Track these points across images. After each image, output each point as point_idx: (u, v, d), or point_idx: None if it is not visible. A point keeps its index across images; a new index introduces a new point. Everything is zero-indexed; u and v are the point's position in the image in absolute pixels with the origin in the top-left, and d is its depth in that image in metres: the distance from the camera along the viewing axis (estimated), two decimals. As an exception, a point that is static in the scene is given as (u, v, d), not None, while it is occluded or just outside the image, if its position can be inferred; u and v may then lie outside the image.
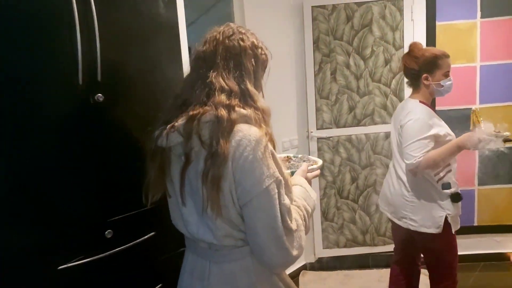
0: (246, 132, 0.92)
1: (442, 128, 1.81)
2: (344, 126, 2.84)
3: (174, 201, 1.05)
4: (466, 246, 2.97)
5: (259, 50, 1.03)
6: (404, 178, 1.90)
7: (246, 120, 0.94)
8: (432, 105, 2.75)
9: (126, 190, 1.24)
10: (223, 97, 0.93)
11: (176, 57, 1.42)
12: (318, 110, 2.83)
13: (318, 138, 2.86)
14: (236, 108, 0.94)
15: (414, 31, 2.74)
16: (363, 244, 2.96)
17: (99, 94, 1.18)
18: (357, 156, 2.88)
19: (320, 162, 1.25)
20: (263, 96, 1.07)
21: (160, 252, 1.37)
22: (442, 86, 1.85)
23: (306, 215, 1.02)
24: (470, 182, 2.92)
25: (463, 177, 2.91)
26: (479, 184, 2.91)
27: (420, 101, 1.88)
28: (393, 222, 2.03)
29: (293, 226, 0.95)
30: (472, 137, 1.65)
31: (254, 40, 1.03)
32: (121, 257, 1.25)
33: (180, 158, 0.96)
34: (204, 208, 0.94)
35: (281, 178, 0.94)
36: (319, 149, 2.87)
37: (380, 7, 2.70)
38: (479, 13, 2.72)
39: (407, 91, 2.80)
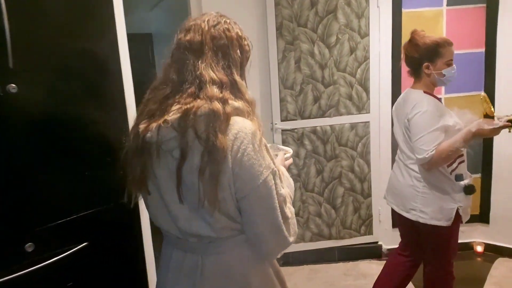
0: (241, 125, 0.92)
1: (451, 118, 1.74)
2: (309, 118, 2.74)
3: (156, 198, 1.00)
4: (431, 237, 2.97)
5: (244, 41, 1.02)
6: (416, 169, 1.83)
7: (238, 113, 0.94)
8: (396, 94, 2.73)
9: (50, 196, 1.07)
10: (215, 90, 0.92)
11: (111, 48, 1.24)
12: (282, 101, 2.71)
13: (282, 130, 2.74)
14: (229, 101, 0.93)
15: (380, 19, 2.66)
16: (329, 237, 2.89)
17: (12, 84, 1.01)
18: (322, 148, 2.79)
19: (291, 150, 1.27)
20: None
21: (96, 265, 1.21)
22: (444, 75, 1.78)
23: (290, 202, 1.04)
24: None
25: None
26: (443, 175, 2.89)
27: (424, 91, 1.81)
28: (399, 216, 1.97)
29: (289, 214, 0.97)
30: (488, 123, 1.61)
31: (238, 31, 1.01)
32: (47, 273, 1.09)
33: (171, 154, 0.93)
34: (201, 203, 0.91)
35: (276, 169, 0.96)
36: (283, 142, 2.76)
37: (345, -8, 2.60)
38: (445, 1, 2.66)
39: (373, 80, 2.73)
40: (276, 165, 0.98)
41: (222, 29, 0.97)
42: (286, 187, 1.05)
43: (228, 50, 0.97)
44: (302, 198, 2.85)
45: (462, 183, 1.78)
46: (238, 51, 0.99)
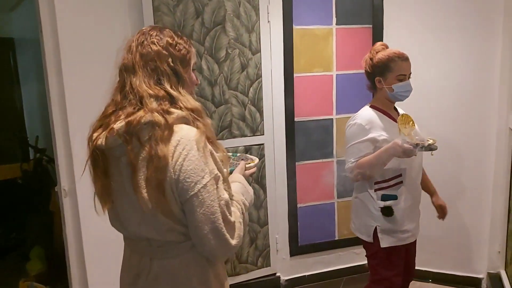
0: (185, 132, 0.98)
1: (381, 133, 1.73)
2: (198, 141, 2.41)
3: (113, 205, 1.08)
4: (328, 262, 2.87)
5: (176, 47, 1.05)
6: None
7: (185, 121, 1.01)
8: (290, 115, 2.59)
9: None
10: (154, 104, 0.98)
11: None
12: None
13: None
14: (172, 110, 1.00)
15: (271, 34, 2.48)
16: (224, 275, 2.57)
17: None
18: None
19: (256, 160, 1.35)
20: (192, 91, 1.13)
21: None
22: (393, 90, 1.75)
23: (243, 209, 1.11)
24: (330, 195, 2.80)
25: (322, 190, 2.79)
26: (338, 197, 2.82)
27: (371, 106, 1.84)
28: None
29: (232, 218, 1.02)
30: (401, 145, 1.57)
31: (168, 39, 1.05)
32: None
33: (120, 160, 1.01)
34: (146, 207, 0.98)
35: (219, 174, 1.02)
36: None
37: (234, 3, 2.35)
38: (334, 20, 2.61)
39: (266, 100, 2.54)
40: (223, 171, 1.04)
41: (148, 45, 1.02)
42: (241, 194, 1.14)
43: (156, 64, 1.01)
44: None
45: (382, 203, 1.76)
46: (170, 60, 1.03)
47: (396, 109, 1.90)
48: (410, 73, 1.78)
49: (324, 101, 2.69)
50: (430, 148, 1.61)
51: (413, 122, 1.71)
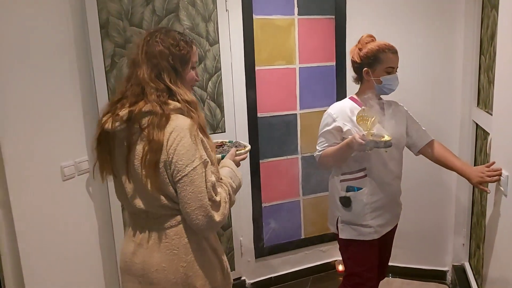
0: (180, 121, 1.15)
1: (347, 124, 1.72)
2: (152, 140, 2.21)
3: (119, 179, 1.25)
4: (295, 262, 2.77)
5: (177, 47, 1.21)
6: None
7: (181, 112, 1.18)
8: (252, 111, 2.45)
9: None
10: (154, 95, 1.15)
11: None
12: (115, 120, 2.11)
13: (117, 158, 2.14)
14: (169, 101, 1.17)
15: (230, 24, 2.31)
16: None
17: None
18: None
19: (248, 146, 1.50)
20: (192, 87, 1.31)
21: None
22: (381, 82, 1.71)
23: (230, 190, 1.25)
24: (295, 193, 2.70)
25: (287, 188, 2.68)
26: (303, 194, 2.72)
27: (350, 97, 1.83)
28: None
29: (217, 198, 1.17)
30: (358, 138, 1.55)
31: (171, 40, 1.21)
32: None
33: (123, 143, 1.20)
34: (144, 184, 1.15)
35: (208, 160, 1.17)
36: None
37: (188, -11, 2.16)
38: (296, 9, 2.48)
39: (226, 95, 2.37)
40: (212, 157, 1.20)
41: (153, 44, 1.20)
42: (229, 177, 1.28)
43: (158, 61, 1.18)
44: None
45: (343, 193, 1.78)
46: (171, 58, 1.19)
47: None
48: (398, 67, 1.75)
49: (287, 96, 2.57)
50: (384, 145, 1.55)
51: (375, 118, 1.63)
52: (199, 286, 1.24)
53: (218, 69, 2.32)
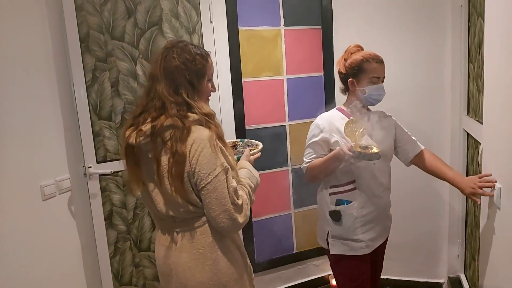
0: (199, 133, 1.21)
1: (334, 135, 1.68)
2: (137, 156, 2.14)
3: (145, 188, 1.32)
4: (287, 277, 2.69)
5: (192, 62, 1.25)
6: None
7: (199, 123, 1.24)
8: (240, 123, 2.39)
9: None
10: (174, 109, 1.21)
11: None
12: (97, 136, 2.05)
13: (100, 176, 2.07)
14: (189, 114, 1.22)
15: (215, 36, 2.27)
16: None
17: None
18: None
19: (260, 145, 1.58)
20: (208, 98, 1.36)
21: None
22: (366, 92, 1.68)
23: (250, 191, 1.33)
24: (286, 206, 2.64)
25: (278, 201, 2.62)
26: (295, 207, 2.66)
27: (338, 108, 1.80)
28: None
29: (239, 201, 1.24)
30: (345, 150, 1.52)
31: (187, 55, 1.25)
32: None
33: (147, 155, 1.26)
34: (170, 193, 1.23)
35: (228, 166, 1.24)
36: (103, 190, 2.09)
37: (171, 2, 2.12)
38: (282, 20, 2.45)
39: (213, 108, 2.31)
40: (231, 163, 1.28)
41: (170, 59, 1.24)
42: (247, 178, 1.36)
43: (175, 76, 1.23)
44: (134, 261, 2.21)
45: (333, 207, 1.73)
46: (187, 73, 1.24)
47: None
48: (384, 76, 1.72)
49: (276, 107, 2.53)
50: (373, 157, 1.51)
51: (363, 129, 1.59)
52: (225, 283, 1.29)
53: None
